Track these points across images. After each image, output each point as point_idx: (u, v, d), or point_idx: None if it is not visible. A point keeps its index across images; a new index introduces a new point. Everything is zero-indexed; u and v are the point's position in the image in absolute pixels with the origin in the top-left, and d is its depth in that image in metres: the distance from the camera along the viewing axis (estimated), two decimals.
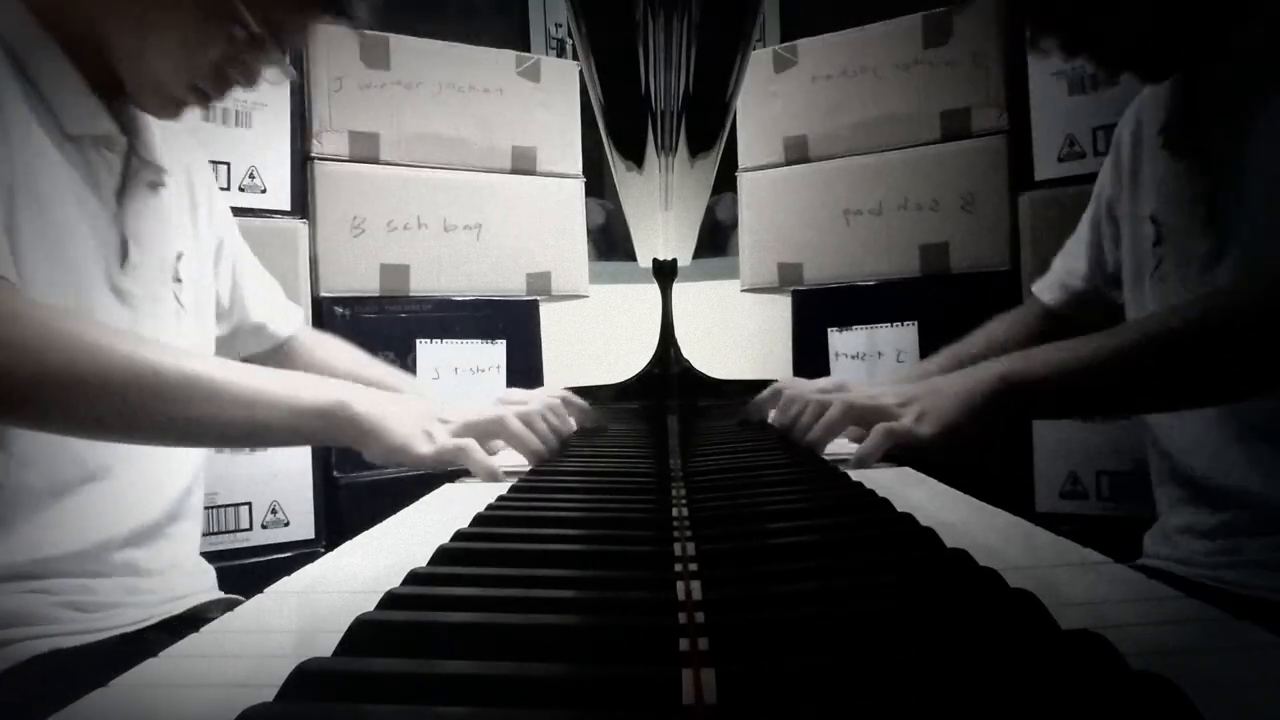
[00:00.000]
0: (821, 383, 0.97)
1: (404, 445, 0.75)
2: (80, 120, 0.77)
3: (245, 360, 0.98)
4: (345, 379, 0.80)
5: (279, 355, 1.07)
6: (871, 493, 0.57)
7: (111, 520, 0.78)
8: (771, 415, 0.99)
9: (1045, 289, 1.09)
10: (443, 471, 0.79)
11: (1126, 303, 0.95)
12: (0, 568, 0.71)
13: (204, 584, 0.90)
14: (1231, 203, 0.79)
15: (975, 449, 0.76)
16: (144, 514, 0.81)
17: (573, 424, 1.00)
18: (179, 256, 0.88)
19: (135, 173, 0.82)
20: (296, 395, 0.74)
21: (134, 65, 0.79)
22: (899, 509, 0.51)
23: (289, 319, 1.09)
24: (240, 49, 0.79)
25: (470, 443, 0.78)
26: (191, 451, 0.88)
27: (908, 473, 0.75)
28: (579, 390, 1.11)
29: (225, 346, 1.00)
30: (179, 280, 0.88)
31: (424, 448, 0.76)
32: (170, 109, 0.82)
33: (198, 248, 0.93)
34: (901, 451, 0.79)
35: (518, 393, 0.98)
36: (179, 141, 0.93)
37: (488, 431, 0.82)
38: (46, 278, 0.72)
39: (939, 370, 1.02)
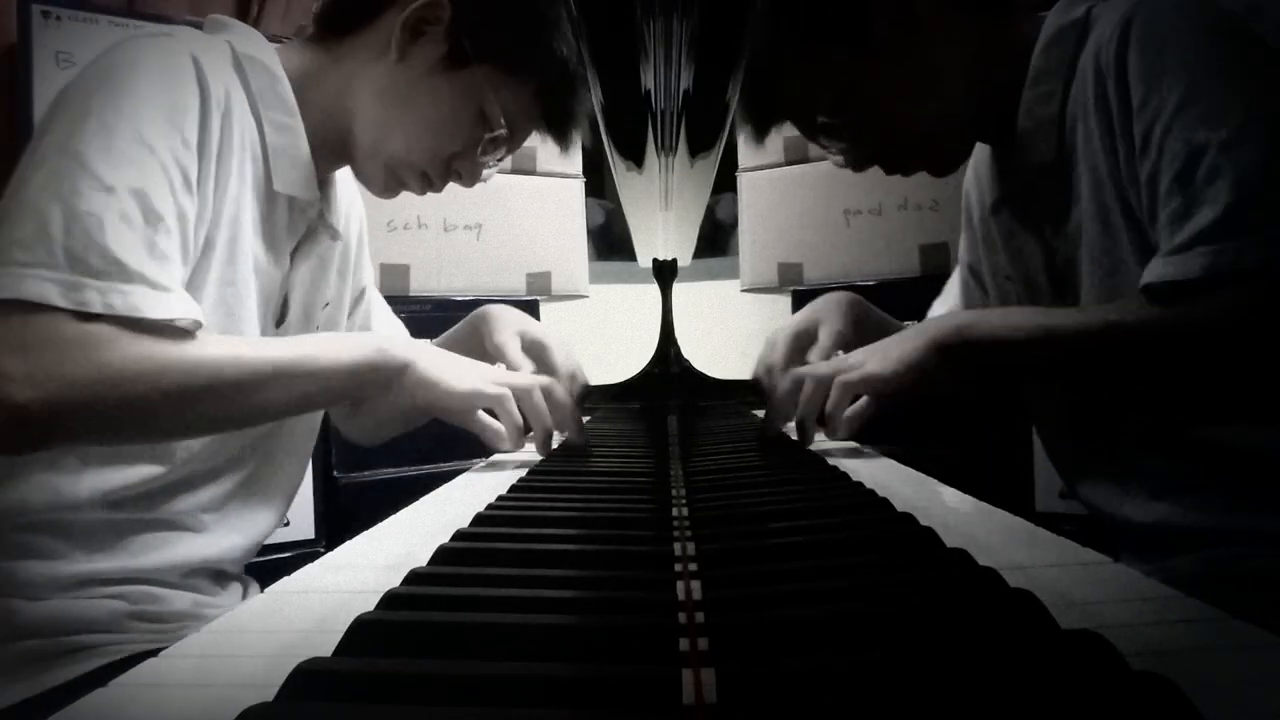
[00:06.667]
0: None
1: (439, 382, 0.76)
2: (290, 182, 0.77)
3: None
4: None
5: None
6: (872, 492, 0.57)
7: (197, 553, 0.77)
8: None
9: None
10: (464, 432, 0.80)
11: None
12: (84, 573, 0.70)
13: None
14: (1068, 269, 0.80)
15: (932, 401, 0.76)
16: (231, 555, 0.81)
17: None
18: (325, 305, 0.90)
19: (315, 234, 0.83)
20: (339, 357, 0.74)
21: (375, 142, 0.80)
22: (899, 509, 0.51)
23: None
24: (478, 148, 0.82)
25: (509, 395, 0.78)
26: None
27: (907, 472, 0.75)
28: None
29: None
30: (316, 328, 0.89)
31: (464, 386, 0.77)
32: (391, 188, 0.84)
33: (340, 297, 0.93)
34: (872, 410, 0.81)
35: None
36: (349, 192, 0.93)
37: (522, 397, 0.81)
38: (216, 330, 0.71)
39: None
